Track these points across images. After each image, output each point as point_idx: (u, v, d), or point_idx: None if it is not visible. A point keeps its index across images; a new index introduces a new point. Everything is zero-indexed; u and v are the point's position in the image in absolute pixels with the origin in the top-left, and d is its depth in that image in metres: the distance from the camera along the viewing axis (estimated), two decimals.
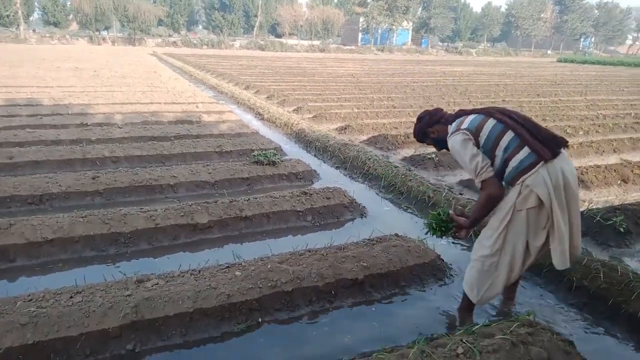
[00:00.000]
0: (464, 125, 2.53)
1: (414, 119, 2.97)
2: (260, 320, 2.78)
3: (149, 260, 3.52)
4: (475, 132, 2.48)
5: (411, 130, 7.72)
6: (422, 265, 3.33)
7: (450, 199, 4.44)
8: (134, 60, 24.14)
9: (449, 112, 2.81)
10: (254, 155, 5.45)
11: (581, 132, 8.33)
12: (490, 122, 2.48)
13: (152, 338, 2.58)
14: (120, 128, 7.23)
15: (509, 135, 2.42)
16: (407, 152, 6.81)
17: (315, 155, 6.70)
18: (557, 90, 15.62)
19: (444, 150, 2.78)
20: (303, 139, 7.46)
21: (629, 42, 74.07)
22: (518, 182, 2.39)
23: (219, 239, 3.84)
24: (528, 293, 3.18)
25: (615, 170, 5.55)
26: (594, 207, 4.51)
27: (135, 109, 8.90)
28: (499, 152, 2.44)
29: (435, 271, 3.36)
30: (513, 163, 2.40)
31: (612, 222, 3.94)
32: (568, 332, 2.74)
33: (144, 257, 3.56)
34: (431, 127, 2.77)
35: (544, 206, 2.35)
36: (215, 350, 2.56)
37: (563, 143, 2.43)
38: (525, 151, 2.37)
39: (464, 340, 2.32)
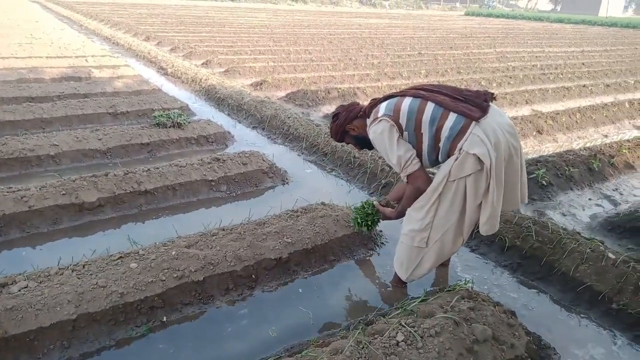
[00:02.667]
0: (380, 112, 2.28)
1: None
2: (165, 319, 2.31)
3: (22, 253, 2.84)
4: (394, 115, 2.24)
5: (332, 85, 7.44)
6: (352, 236, 3.01)
7: (377, 158, 4.15)
8: (10, 7, 20.70)
9: (362, 104, 2.51)
10: (155, 117, 4.70)
11: (494, 84, 8.47)
12: (407, 101, 2.25)
13: (22, 358, 2.02)
14: None
15: (430, 106, 2.19)
16: (329, 109, 6.40)
17: (228, 115, 6.05)
18: (468, 43, 15.96)
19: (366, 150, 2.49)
20: (214, 97, 6.72)
21: None
22: (455, 151, 2.14)
23: (112, 221, 3.21)
24: (461, 256, 3.01)
25: (530, 122, 5.61)
26: None
27: (9, 65, 7.47)
28: (425, 128, 2.19)
29: (365, 240, 3.07)
30: (444, 134, 2.15)
31: (534, 175, 3.90)
32: (505, 298, 2.60)
33: (16, 248, 2.88)
34: (350, 123, 2.47)
35: (482, 172, 2.08)
36: None
37: (489, 96, 2.20)
38: (452, 117, 2.14)
39: (403, 324, 2.06)
